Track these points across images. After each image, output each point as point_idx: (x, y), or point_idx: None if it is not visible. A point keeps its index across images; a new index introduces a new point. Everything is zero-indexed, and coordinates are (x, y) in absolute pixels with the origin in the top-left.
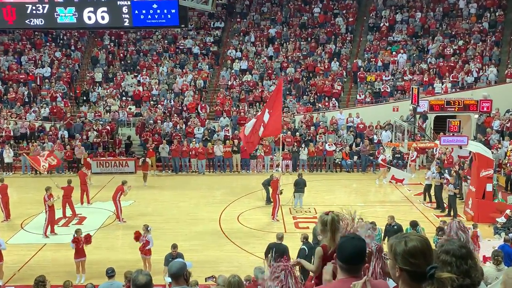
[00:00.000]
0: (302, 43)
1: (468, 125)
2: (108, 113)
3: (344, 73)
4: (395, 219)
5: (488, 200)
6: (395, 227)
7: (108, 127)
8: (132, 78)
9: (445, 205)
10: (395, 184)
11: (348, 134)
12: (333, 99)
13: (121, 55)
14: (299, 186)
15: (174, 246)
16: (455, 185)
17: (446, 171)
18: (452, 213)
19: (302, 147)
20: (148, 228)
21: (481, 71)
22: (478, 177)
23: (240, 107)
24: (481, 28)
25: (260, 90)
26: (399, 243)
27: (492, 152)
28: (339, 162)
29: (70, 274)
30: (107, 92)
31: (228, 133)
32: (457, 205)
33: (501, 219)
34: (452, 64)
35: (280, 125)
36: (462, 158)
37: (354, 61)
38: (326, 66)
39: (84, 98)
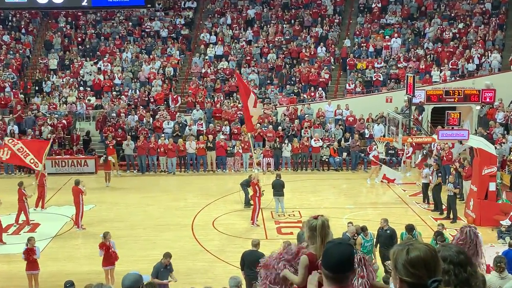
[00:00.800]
0: (284, 26)
1: (469, 117)
2: (65, 105)
3: (332, 60)
4: (388, 222)
5: (491, 200)
6: (388, 231)
7: (64, 121)
8: (92, 66)
9: (444, 207)
10: (387, 184)
11: (337, 128)
12: (320, 88)
13: (79, 39)
14: (277, 188)
15: (167, 255)
16: (455, 184)
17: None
18: (451, 215)
19: (285, 143)
20: (103, 235)
21: (483, 57)
22: (480, 175)
23: (215, 98)
24: (483, 9)
25: (237, 79)
26: (401, 251)
27: (496, 148)
28: (327, 160)
29: None
30: (63, 81)
31: (202, 127)
32: (457, 206)
33: (506, 222)
34: (452, 50)
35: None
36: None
37: (343, 45)
38: (311, 52)
39: (37, 88)
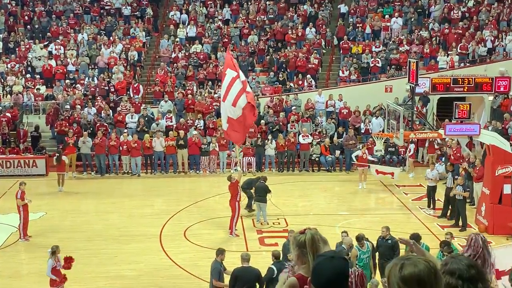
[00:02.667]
0: (268, 3)
1: (481, 109)
2: (9, 96)
3: (323, 43)
4: (390, 231)
5: (505, 205)
6: (390, 241)
7: (8, 115)
8: (42, 49)
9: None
10: (386, 187)
11: (328, 122)
12: (309, 76)
13: (26, 17)
14: (259, 193)
15: (222, 251)
16: (464, 187)
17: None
18: (460, 223)
19: (268, 140)
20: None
21: (497, 40)
22: (493, 176)
23: (187, 87)
24: None
25: (213, 65)
26: (394, 267)
27: (511, 144)
28: (317, 159)
29: None
30: (7, 67)
31: (171, 121)
32: (467, 212)
33: None
34: (461, 31)
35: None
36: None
37: (337, 24)
38: (299, 34)
39: None
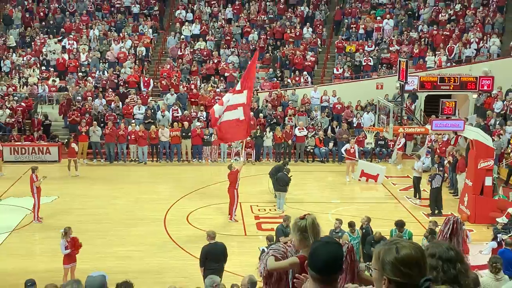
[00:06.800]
0: (268, 3)
1: (465, 106)
2: (25, 87)
3: (319, 42)
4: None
5: (487, 196)
6: (364, 230)
7: (24, 104)
8: (56, 43)
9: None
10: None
11: (323, 116)
12: (305, 73)
13: (42, 13)
14: (280, 183)
15: (288, 218)
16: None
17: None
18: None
19: (266, 132)
20: (64, 231)
21: (481, 41)
22: (475, 169)
23: (191, 81)
24: None
25: (216, 61)
26: (388, 250)
27: (493, 139)
28: (312, 150)
29: None
30: (23, 60)
31: (177, 113)
32: (451, 201)
33: (502, 219)
34: (448, 33)
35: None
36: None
37: (335, 8)
38: (296, 33)
39: None
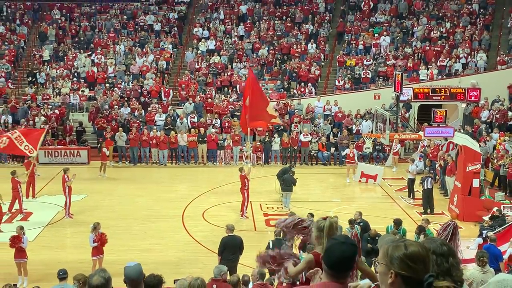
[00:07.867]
0: (276, 22)
1: (455, 115)
2: (58, 96)
3: (322, 56)
4: (362, 215)
5: (474, 196)
6: (361, 224)
7: (57, 112)
8: (86, 57)
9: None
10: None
11: (325, 124)
12: (310, 84)
13: (73, 31)
14: (286, 184)
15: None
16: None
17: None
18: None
19: (274, 137)
20: (93, 226)
21: (469, 56)
22: (464, 172)
23: (207, 92)
24: (471, 9)
25: (229, 74)
26: (397, 247)
27: (480, 145)
28: (315, 154)
29: (12, 276)
30: (56, 72)
31: (194, 120)
32: (442, 201)
33: (488, 218)
34: (439, 49)
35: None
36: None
37: (338, 21)
38: (302, 48)
39: (31, 78)
